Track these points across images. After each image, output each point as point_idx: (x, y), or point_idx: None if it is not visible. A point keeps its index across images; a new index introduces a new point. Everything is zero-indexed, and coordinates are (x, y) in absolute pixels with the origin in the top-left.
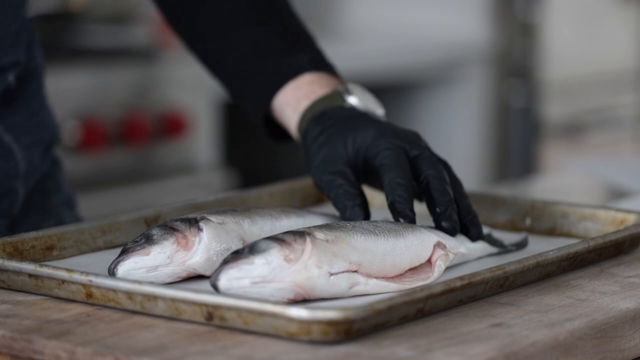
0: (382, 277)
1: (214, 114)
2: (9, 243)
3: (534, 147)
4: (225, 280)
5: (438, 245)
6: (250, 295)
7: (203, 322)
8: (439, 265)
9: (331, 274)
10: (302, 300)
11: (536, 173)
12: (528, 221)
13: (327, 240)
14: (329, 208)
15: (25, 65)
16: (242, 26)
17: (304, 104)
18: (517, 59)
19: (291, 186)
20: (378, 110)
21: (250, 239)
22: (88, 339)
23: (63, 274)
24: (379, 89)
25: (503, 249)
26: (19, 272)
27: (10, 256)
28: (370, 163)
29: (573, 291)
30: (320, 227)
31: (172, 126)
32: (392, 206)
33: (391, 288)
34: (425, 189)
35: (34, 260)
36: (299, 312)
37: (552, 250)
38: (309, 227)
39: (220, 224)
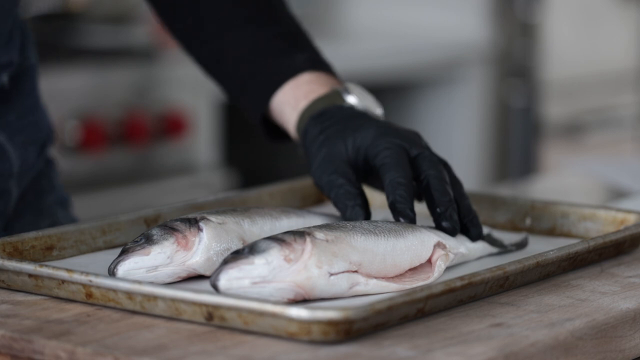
0: (382, 277)
1: (214, 114)
2: (9, 243)
3: (534, 147)
4: (225, 280)
5: (438, 245)
6: (250, 295)
7: (203, 322)
8: (439, 266)
9: (331, 274)
10: (302, 300)
11: (536, 173)
12: (528, 221)
13: (327, 240)
14: (329, 208)
15: (19, 66)
16: (238, 26)
17: (303, 103)
18: (517, 59)
19: (291, 186)
20: (377, 109)
21: (250, 239)
22: (88, 339)
23: (63, 274)
24: (379, 89)
25: (503, 249)
26: (19, 272)
27: (10, 256)
28: (371, 162)
29: (573, 291)
30: (320, 227)
31: (172, 126)
32: (392, 206)
33: (391, 288)
34: (425, 189)
35: (34, 260)
36: (299, 312)
37: (552, 250)
38: (309, 227)
39: (220, 224)
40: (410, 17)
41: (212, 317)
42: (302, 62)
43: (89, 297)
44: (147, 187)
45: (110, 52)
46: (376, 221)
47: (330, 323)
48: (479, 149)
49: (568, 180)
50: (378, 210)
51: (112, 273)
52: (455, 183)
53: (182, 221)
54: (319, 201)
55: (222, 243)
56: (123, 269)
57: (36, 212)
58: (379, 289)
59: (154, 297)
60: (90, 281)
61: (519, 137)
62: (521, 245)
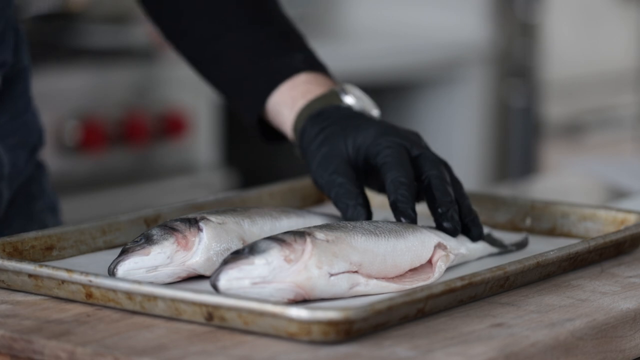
0: (383, 278)
1: (214, 114)
2: (9, 243)
3: (534, 147)
4: (225, 280)
5: (439, 246)
6: (250, 295)
7: (203, 322)
8: (440, 266)
9: (331, 275)
10: (302, 301)
11: (536, 173)
12: (528, 221)
13: (327, 241)
14: (329, 208)
15: (12, 67)
16: (233, 26)
17: (300, 103)
18: (517, 59)
19: (291, 186)
20: (373, 110)
21: (250, 239)
22: (88, 339)
23: (63, 274)
24: (379, 89)
25: (503, 249)
26: (18, 272)
27: (10, 256)
28: (371, 162)
29: (573, 291)
30: (320, 227)
31: (172, 126)
32: (394, 205)
33: (391, 288)
34: (427, 189)
35: (34, 260)
36: (299, 313)
37: (552, 251)
38: (309, 227)
39: (220, 224)
40: (410, 17)
41: (212, 317)
42: (298, 63)
43: (88, 297)
44: (147, 187)
45: (110, 52)
46: (377, 221)
47: (331, 323)
48: (479, 149)
49: (568, 180)
50: (378, 211)
51: (112, 273)
52: (456, 183)
53: (182, 221)
54: (319, 201)
55: (222, 243)
56: (123, 269)
57: (26, 217)
58: (379, 290)
59: (153, 297)
60: (90, 281)
61: (519, 137)
62: (521, 245)
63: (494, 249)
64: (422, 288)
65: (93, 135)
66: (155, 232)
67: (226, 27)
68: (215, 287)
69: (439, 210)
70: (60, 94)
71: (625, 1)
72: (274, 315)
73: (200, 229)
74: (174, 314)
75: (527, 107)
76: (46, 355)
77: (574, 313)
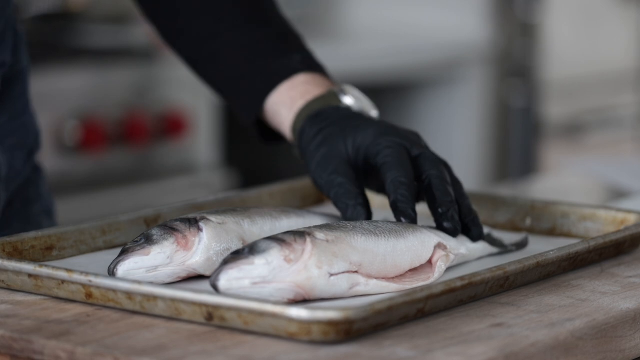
0: (383, 278)
1: (214, 114)
2: (9, 243)
3: (534, 147)
4: (225, 280)
5: (439, 246)
6: (250, 295)
7: (203, 322)
8: (440, 266)
9: (331, 275)
10: (302, 301)
11: (536, 173)
12: (528, 221)
13: (327, 241)
14: (329, 208)
15: (11, 67)
16: (231, 26)
17: (299, 103)
18: (517, 59)
19: (291, 186)
20: (372, 111)
21: (250, 239)
22: (88, 339)
23: (63, 274)
24: (379, 89)
25: (503, 249)
26: (18, 272)
27: (10, 256)
28: (371, 161)
29: (573, 291)
30: (320, 227)
31: (172, 126)
32: (394, 205)
33: (391, 289)
34: (427, 189)
35: (34, 260)
36: (299, 313)
37: (552, 251)
38: (309, 227)
39: (220, 224)
40: (410, 17)
41: (212, 317)
42: (297, 63)
43: (88, 297)
44: (147, 187)
45: (110, 52)
46: (377, 221)
47: (331, 323)
48: (479, 149)
49: (568, 180)
50: (377, 211)
51: (112, 273)
52: (456, 183)
53: (182, 221)
54: (319, 201)
55: (222, 243)
56: (123, 269)
57: (23, 220)
58: (379, 290)
59: (153, 297)
60: (90, 281)
61: (519, 137)
62: (521, 245)
63: (494, 249)
64: (422, 288)
65: (93, 135)
66: (155, 232)
67: (223, 26)
68: (215, 287)
69: (440, 210)
70: (60, 94)
71: (625, 1)
72: (274, 315)
73: (200, 229)
74: (174, 314)
75: (527, 107)
76: (46, 355)
77: (574, 313)
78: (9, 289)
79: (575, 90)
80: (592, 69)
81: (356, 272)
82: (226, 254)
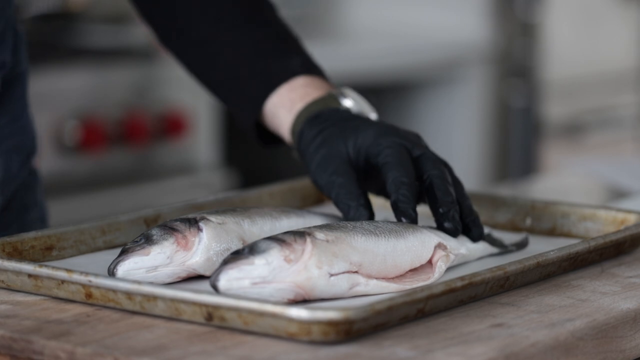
0: (383, 278)
1: (214, 114)
2: (9, 243)
3: (534, 147)
4: (225, 280)
5: (439, 246)
6: (250, 295)
7: (203, 322)
8: (440, 267)
9: (331, 275)
10: (302, 301)
11: (536, 173)
12: (528, 221)
13: (327, 241)
14: (329, 208)
15: (11, 69)
16: (229, 26)
17: (298, 105)
18: (517, 59)
19: (291, 186)
20: (371, 114)
21: (250, 239)
22: (88, 339)
23: (62, 274)
24: (379, 89)
25: (503, 249)
26: (18, 272)
27: (10, 256)
28: (372, 161)
29: (574, 291)
30: (320, 228)
31: (172, 126)
32: (395, 205)
33: (392, 289)
34: (428, 189)
35: (34, 260)
36: (299, 313)
37: (552, 251)
38: (309, 227)
39: (220, 224)
40: (410, 17)
41: (212, 318)
42: (296, 66)
43: (88, 297)
44: (147, 187)
45: (110, 52)
46: (377, 221)
47: (330, 323)
48: (479, 149)
49: (568, 180)
50: (378, 211)
51: (111, 273)
52: (457, 184)
53: (182, 221)
54: (319, 201)
55: (222, 243)
56: (123, 269)
57: (20, 226)
58: (379, 290)
59: (153, 297)
60: (90, 281)
61: (519, 137)
62: (521, 245)
63: (494, 249)
64: (422, 288)
65: (93, 135)
66: (155, 232)
67: (222, 26)
68: (215, 288)
69: (440, 210)
70: (60, 94)
71: (625, 1)
72: (274, 315)
73: (200, 229)
74: (174, 314)
75: (527, 107)
76: (46, 356)
77: (574, 313)
78: (9, 289)
79: (575, 90)
80: (592, 69)
81: (356, 272)
82: (226, 254)
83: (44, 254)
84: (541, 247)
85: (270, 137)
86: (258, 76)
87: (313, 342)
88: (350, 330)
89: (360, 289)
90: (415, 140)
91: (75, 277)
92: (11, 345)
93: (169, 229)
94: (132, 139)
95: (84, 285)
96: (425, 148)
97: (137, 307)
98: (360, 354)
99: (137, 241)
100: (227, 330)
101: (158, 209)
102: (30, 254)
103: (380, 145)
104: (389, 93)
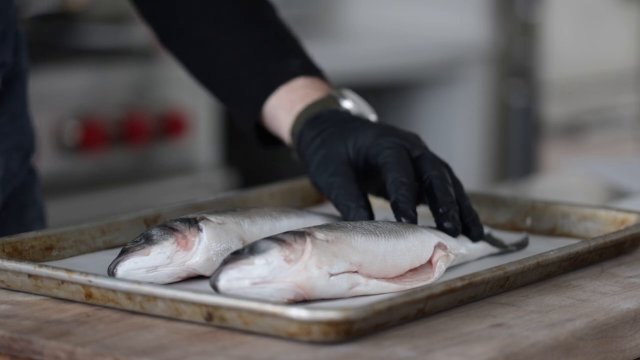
0: (383, 278)
1: (214, 114)
2: (8, 243)
3: (534, 147)
4: (225, 280)
5: (439, 246)
6: (250, 295)
7: (203, 322)
8: (440, 266)
9: (331, 275)
10: (302, 301)
11: (536, 173)
12: (528, 221)
13: (327, 241)
14: (329, 208)
15: (12, 68)
16: (229, 26)
17: (298, 107)
18: (517, 59)
19: (291, 186)
20: (371, 115)
21: (250, 239)
22: (88, 339)
23: (62, 274)
24: (379, 89)
25: (503, 249)
26: (18, 272)
27: (10, 256)
28: (372, 162)
29: (574, 291)
30: (320, 228)
31: (172, 126)
32: (394, 205)
33: (392, 289)
34: (428, 189)
35: (34, 260)
36: (299, 313)
37: (552, 251)
38: (309, 227)
39: (220, 224)
40: (410, 17)
41: (212, 318)
42: (296, 67)
43: (88, 297)
44: (147, 187)
45: (110, 52)
46: (377, 221)
47: (330, 323)
48: (479, 149)
49: (568, 180)
50: (377, 211)
51: (111, 273)
52: (456, 184)
53: (182, 221)
54: (319, 201)
55: (222, 243)
56: (123, 269)
57: (19, 226)
58: (379, 290)
59: (153, 298)
60: (90, 281)
61: (519, 137)
62: (522, 245)
63: (494, 249)
64: (422, 288)
65: (93, 135)
66: (155, 232)
67: (222, 26)
68: (215, 288)
69: (440, 210)
70: (60, 94)
71: (625, 1)
72: (274, 315)
73: (200, 229)
74: (173, 314)
75: (527, 107)
76: (46, 356)
77: (574, 313)
78: (9, 289)
79: (576, 90)
80: (592, 69)
81: (356, 272)
82: (226, 254)
83: (43, 254)
84: (541, 247)
85: (270, 138)
86: (257, 77)
87: (313, 342)
88: (350, 330)
89: (360, 289)
90: (414, 141)
91: (75, 277)
92: (11, 345)
93: (169, 229)
94: (132, 139)
95: (84, 285)
96: (425, 149)
97: (137, 307)
98: (360, 354)
99: (137, 241)
100: (227, 330)
101: (158, 209)
102: (30, 254)
103: (380, 145)
104: (389, 93)
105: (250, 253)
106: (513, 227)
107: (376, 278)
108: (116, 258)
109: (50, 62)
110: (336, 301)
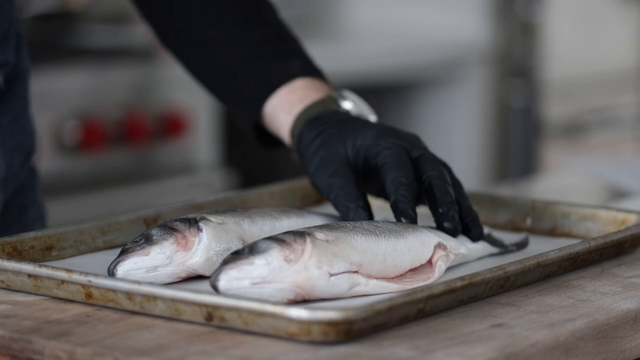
0: (383, 278)
1: (214, 114)
2: (8, 243)
3: (534, 147)
4: (225, 280)
5: (439, 246)
6: (250, 295)
7: (203, 322)
8: (440, 266)
9: (331, 275)
10: (302, 301)
11: (536, 173)
12: (529, 221)
13: (327, 241)
14: (329, 208)
15: (13, 68)
16: (228, 25)
17: (298, 107)
18: (517, 59)
19: (291, 186)
20: (370, 116)
21: (250, 239)
22: (88, 339)
23: (62, 274)
24: (379, 89)
25: (504, 249)
26: (18, 273)
27: (10, 256)
28: (371, 162)
29: (574, 291)
30: (320, 228)
31: (172, 126)
32: (394, 205)
33: (392, 289)
34: (427, 189)
35: (33, 260)
36: (299, 313)
37: (552, 251)
38: (309, 227)
39: (220, 224)
40: (410, 17)
41: (212, 318)
42: (296, 68)
43: (88, 297)
44: (147, 187)
45: (109, 52)
46: (377, 221)
47: (330, 323)
48: (479, 149)
49: (568, 180)
50: (377, 211)
51: (111, 273)
52: (456, 184)
53: (182, 221)
54: (319, 201)
55: (222, 243)
56: (122, 269)
57: (20, 225)
58: (379, 290)
59: (153, 298)
60: (90, 281)
61: (519, 137)
62: (522, 245)
63: (494, 249)
64: (422, 288)
65: (93, 135)
66: (155, 232)
67: (222, 26)
68: (215, 288)
69: (440, 210)
70: (60, 94)
71: (625, 1)
72: (274, 316)
73: (200, 229)
74: (173, 314)
75: (527, 107)
76: (46, 356)
77: (574, 313)
78: (9, 289)
79: (576, 90)
80: (592, 69)
81: (356, 272)
82: (226, 254)
83: (43, 254)
84: (541, 247)
85: (270, 139)
86: (256, 76)
87: (313, 342)
88: (350, 330)
89: (360, 289)
90: (414, 142)
91: (75, 277)
92: (11, 345)
93: (169, 229)
94: (132, 139)
95: (83, 285)
96: (424, 149)
97: (137, 307)
98: (360, 354)
99: (137, 241)
100: (227, 330)
101: (158, 209)
102: (30, 254)
103: (380, 146)
104: (389, 93)
105: (250, 253)
106: (513, 227)
107: (376, 278)
108: (116, 258)
109: (50, 62)
110: (336, 301)
